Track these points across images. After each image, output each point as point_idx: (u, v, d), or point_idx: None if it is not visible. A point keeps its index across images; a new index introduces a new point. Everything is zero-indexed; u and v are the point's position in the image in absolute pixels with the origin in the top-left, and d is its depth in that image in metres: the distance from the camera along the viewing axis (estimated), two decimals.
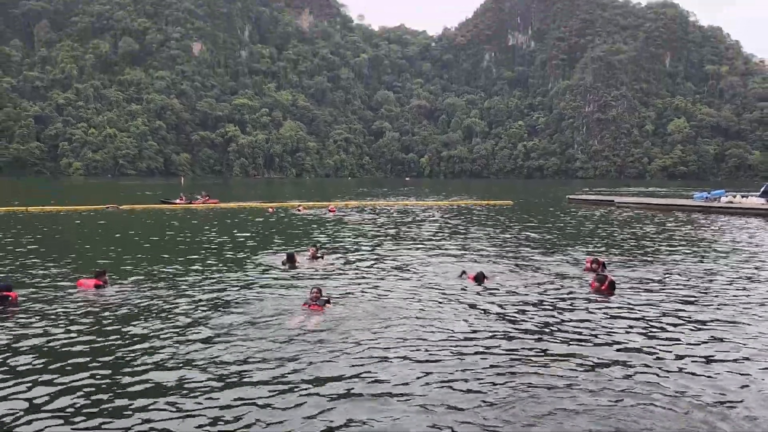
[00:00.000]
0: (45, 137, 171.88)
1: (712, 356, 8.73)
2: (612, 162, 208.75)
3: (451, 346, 9.06)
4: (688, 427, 6.32)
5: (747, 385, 7.57)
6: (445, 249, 20.46)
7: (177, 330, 9.78)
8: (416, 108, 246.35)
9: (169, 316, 10.65)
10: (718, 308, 11.79)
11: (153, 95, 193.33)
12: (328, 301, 11.25)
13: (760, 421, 6.52)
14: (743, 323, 10.59)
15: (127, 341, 9.16)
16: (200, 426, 6.28)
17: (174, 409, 6.67)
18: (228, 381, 7.50)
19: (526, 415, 6.56)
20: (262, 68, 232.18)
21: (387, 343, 9.17)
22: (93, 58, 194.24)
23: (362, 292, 13.02)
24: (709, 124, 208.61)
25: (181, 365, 8.06)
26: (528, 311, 11.38)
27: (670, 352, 8.89)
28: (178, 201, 43.37)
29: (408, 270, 16.02)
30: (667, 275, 15.45)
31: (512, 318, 10.86)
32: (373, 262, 17.40)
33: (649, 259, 18.39)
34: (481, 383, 7.49)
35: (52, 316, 10.56)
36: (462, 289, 13.42)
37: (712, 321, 10.74)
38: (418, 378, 7.66)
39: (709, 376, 7.87)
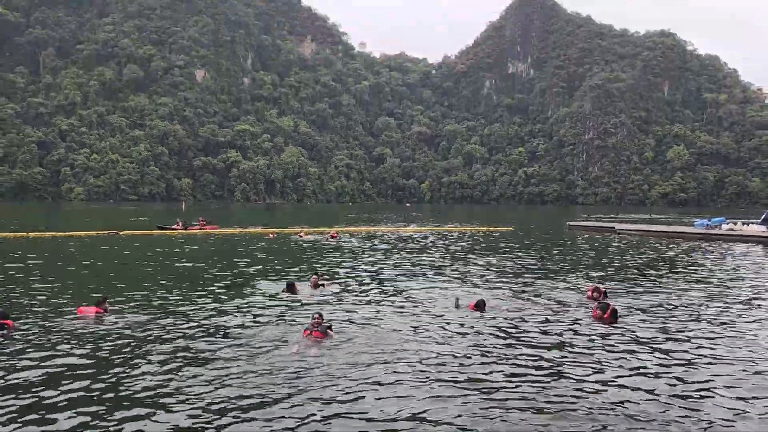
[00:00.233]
0: (47, 163, 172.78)
1: (716, 386, 8.66)
2: (612, 189, 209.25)
3: (453, 375, 9.00)
4: None
5: (746, 411, 7.54)
6: (446, 275, 20.42)
7: (177, 358, 9.72)
8: (417, 134, 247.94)
9: (169, 345, 10.60)
10: (721, 337, 11.72)
11: (156, 121, 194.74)
12: (329, 328, 11.20)
13: None
14: (747, 353, 10.52)
15: (126, 369, 9.10)
16: None
17: None
18: (228, 409, 7.44)
19: None
20: (264, 95, 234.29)
21: (388, 372, 9.11)
22: (97, 85, 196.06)
23: (364, 319, 12.97)
24: (708, 151, 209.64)
25: (182, 393, 8.01)
26: (530, 340, 11.32)
27: (675, 381, 8.83)
28: (175, 227, 43.12)
29: (409, 297, 15.96)
30: (669, 303, 15.40)
31: (514, 347, 10.80)
32: (374, 288, 17.36)
33: (651, 287, 18.34)
34: (484, 413, 7.42)
35: (52, 344, 10.50)
36: (463, 317, 13.37)
37: (716, 350, 10.68)
38: (423, 408, 7.60)
39: (713, 405, 7.81)
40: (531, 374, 9.12)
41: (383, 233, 43.81)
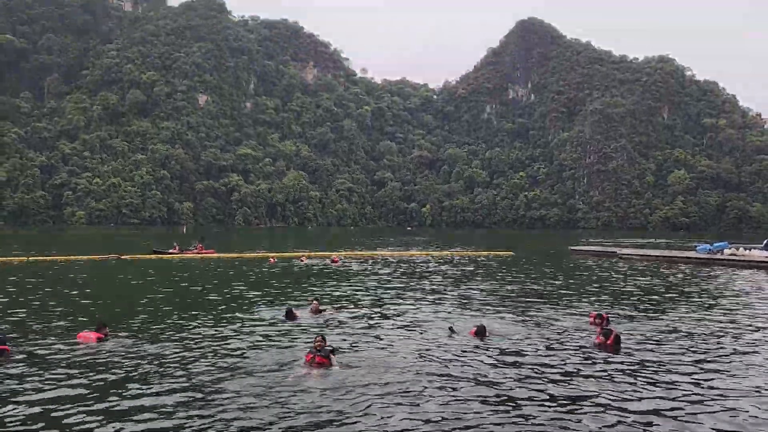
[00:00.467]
0: (49, 186, 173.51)
1: (721, 413, 8.56)
2: (614, 213, 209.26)
3: (454, 402, 8.90)
4: None
5: None
6: (447, 301, 20.33)
7: (177, 384, 9.63)
8: (418, 158, 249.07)
9: (169, 371, 10.51)
10: (726, 363, 11.61)
11: (158, 145, 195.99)
12: (333, 352, 11.09)
13: None
14: (753, 380, 10.41)
15: (126, 396, 9.02)
16: None
17: None
18: None
19: None
20: (266, 119, 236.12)
21: (391, 398, 9.02)
22: (101, 110, 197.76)
23: (365, 344, 12.90)
24: (709, 175, 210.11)
25: (182, 419, 7.92)
26: (533, 367, 11.21)
27: (680, 408, 8.72)
28: (171, 251, 43.01)
29: (411, 322, 15.89)
30: (673, 330, 15.29)
31: (517, 375, 10.69)
32: (375, 314, 17.28)
33: (653, 312, 18.24)
34: None
35: (50, 370, 10.42)
36: (464, 343, 13.27)
37: (721, 377, 10.57)
38: None
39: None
40: (535, 402, 9.02)
41: (384, 257, 43.73)
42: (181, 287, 23.95)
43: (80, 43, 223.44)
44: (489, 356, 12.06)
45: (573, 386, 9.89)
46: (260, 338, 13.55)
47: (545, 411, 8.61)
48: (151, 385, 9.59)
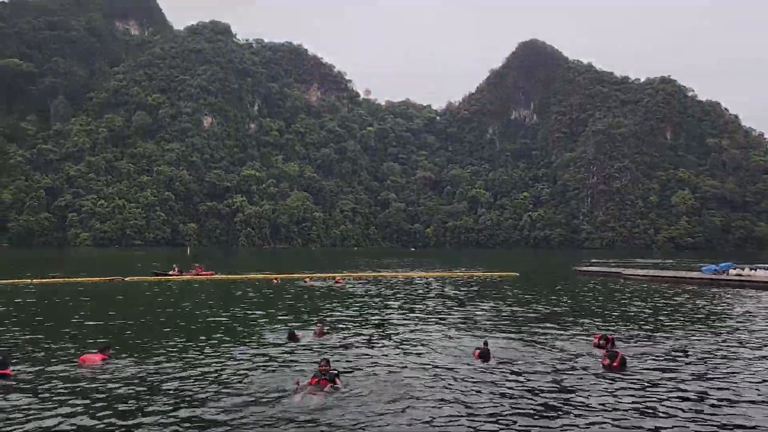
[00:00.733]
0: (54, 208, 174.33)
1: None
2: (618, 233, 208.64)
3: (459, 425, 8.81)
4: None
5: None
6: (451, 322, 20.21)
7: (180, 407, 9.58)
8: (421, 179, 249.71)
9: (172, 393, 10.45)
10: (732, 384, 11.49)
11: (163, 167, 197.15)
12: (337, 376, 11.02)
13: None
14: (760, 401, 10.29)
15: (129, 419, 8.96)
16: None
17: None
18: None
19: None
20: (270, 140, 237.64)
21: (396, 422, 8.94)
22: (106, 132, 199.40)
23: (370, 367, 12.81)
24: (713, 195, 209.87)
25: None
26: (537, 389, 11.11)
27: (685, 429, 8.63)
28: (171, 273, 42.95)
29: (414, 344, 15.79)
30: (679, 351, 15.14)
31: (521, 396, 10.59)
32: (380, 336, 17.18)
33: (659, 334, 18.08)
34: None
35: (52, 394, 10.38)
36: (468, 365, 13.18)
37: (728, 398, 10.44)
38: None
39: None
40: (540, 425, 8.91)
41: (388, 278, 43.60)
42: (182, 309, 23.89)
43: (86, 67, 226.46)
44: (493, 379, 11.96)
45: (579, 409, 9.78)
46: (263, 360, 13.47)
47: None
48: (155, 407, 9.53)
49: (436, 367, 13.07)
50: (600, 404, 10.10)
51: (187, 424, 8.76)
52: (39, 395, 10.24)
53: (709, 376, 12.42)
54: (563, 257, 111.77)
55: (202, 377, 11.75)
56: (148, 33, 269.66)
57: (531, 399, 10.44)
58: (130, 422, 8.88)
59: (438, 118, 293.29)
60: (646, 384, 11.49)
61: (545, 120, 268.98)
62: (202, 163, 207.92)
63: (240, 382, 11.41)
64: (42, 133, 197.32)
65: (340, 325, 19.16)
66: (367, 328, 18.73)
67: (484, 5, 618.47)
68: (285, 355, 14.25)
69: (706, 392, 10.99)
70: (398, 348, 15.39)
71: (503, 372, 12.59)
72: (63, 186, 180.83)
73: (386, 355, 14.37)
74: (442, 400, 10.28)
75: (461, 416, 9.34)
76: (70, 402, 9.88)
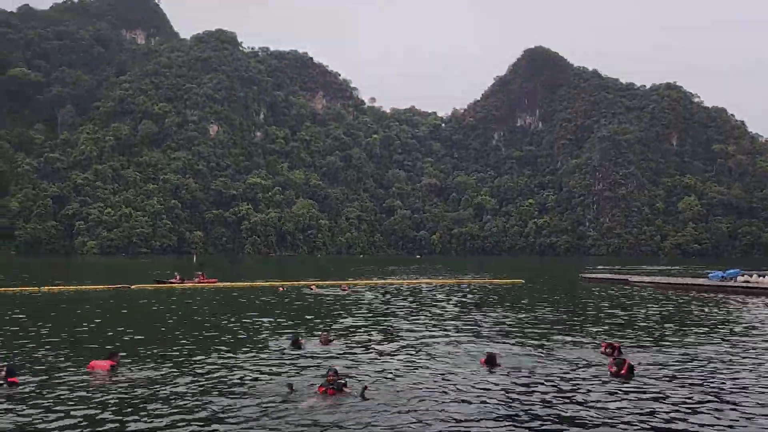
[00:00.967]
0: (61, 216, 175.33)
1: None
2: (624, 240, 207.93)
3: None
4: None
5: None
6: (457, 329, 20.17)
7: (187, 414, 9.58)
8: (427, 186, 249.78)
9: (179, 400, 10.47)
10: (740, 391, 11.42)
11: (169, 175, 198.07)
12: (345, 385, 11.00)
13: None
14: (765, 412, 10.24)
15: (137, 425, 8.99)
16: None
17: None
18: None
19: None
20: (276, 148, 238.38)
21: (400, 427, 8.92)
22: (113, 140, 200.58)
23: (376, 375, 12.79)
24: (720, 202, 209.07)
25: None
26: (544, 396, 11.07)
27: None
28: (172, 281, 42.76)
29: (421, 352, 15.76)
30: (686, 358, 15.06)
31: (528, 403, 10.56)
32: (386, 343, 17.16)
33: (667, 341, 18.00)
34: None
35: (60, 402, 10.41)
36: (474, 371, 13.15)
37: (736, 405, 10.39)
38: None
39: None
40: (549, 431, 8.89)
41: (394, 285, 43.55)
42: (187, 316, 23.94)
43: (93, 76, 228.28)
44: (500, 385, 11.93)
45: (586, 416, 9.75)
46: (270, 368, 13.47)
47: None
48: (160, 415, 9.54)
49: (442, 373, 13.05)
50: (607, 412, 10.06)
51: (196, 426, 8.77)
52: (47, 402, 10.28)
53: (717, 384, 12.35)
54: (569, 264, 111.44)
55: (208, 382, 11.76)
56: (155, 42, 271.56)
57: (538, 406, 10.41)
58: (140, 428, 8.90)
59: (443, 125, 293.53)
60: (653, 392, 11.44)
61: (551, 127, 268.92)
62: (208, 171, 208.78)
63: (247, 389, 11.42)
64: (49, 142, 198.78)
65: (345, 332, 19.15)
66: (372, 336, 18.71)
67: (484, 5, 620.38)
68: (293, 362, 14.25)
69: (715, 400, 10.93)
70: (404, 355, 15.37)
71: (510, 379, 12.56)
72: (70, 194, 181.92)
73: (392, 362, 14.35)
74: (448, 407, 10.25)
75: (468, 423, 9.31)
76: (79, 408, 9.91)
